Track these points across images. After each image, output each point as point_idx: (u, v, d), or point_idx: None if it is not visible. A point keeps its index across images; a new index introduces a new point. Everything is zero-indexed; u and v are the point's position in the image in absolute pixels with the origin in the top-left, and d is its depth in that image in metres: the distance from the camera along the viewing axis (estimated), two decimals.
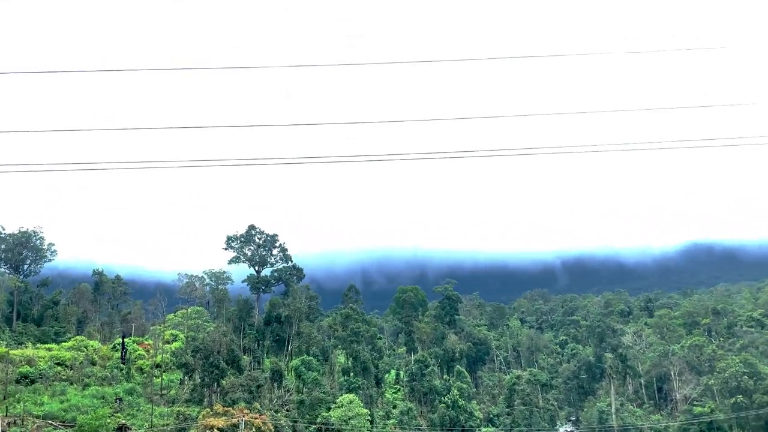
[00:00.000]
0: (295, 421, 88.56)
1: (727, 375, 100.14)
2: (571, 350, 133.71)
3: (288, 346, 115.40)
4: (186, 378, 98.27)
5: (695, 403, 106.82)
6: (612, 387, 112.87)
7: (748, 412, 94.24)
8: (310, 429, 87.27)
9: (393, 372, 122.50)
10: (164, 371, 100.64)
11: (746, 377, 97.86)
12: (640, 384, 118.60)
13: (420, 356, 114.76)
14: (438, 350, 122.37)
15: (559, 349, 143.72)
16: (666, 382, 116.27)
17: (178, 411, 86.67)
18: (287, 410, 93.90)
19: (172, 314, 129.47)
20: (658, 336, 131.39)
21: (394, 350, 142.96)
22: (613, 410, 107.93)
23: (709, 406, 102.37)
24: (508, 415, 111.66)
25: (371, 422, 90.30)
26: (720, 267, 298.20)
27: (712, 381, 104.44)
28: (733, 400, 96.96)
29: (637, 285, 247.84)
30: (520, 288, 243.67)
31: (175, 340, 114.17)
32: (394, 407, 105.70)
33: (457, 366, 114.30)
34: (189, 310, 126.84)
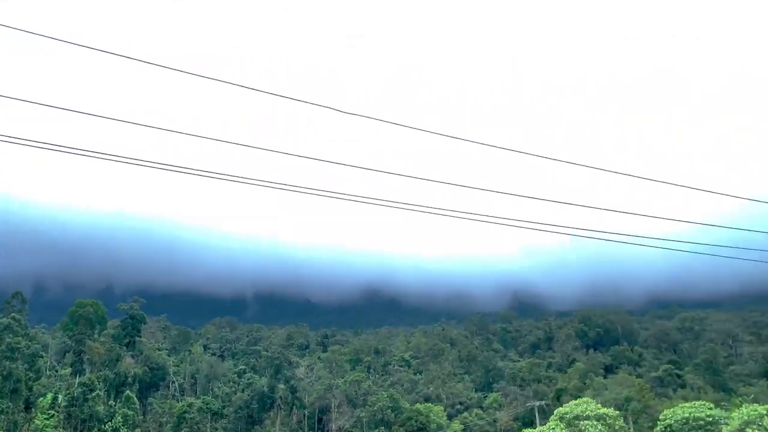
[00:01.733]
0: None
1: (375, 408, 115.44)
2: (248, 380, 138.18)
3: None
4: None
5: None
6: (279, 417, 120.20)
7: None
8: None
9: (50, 395, 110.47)
10: None
11: (389, 411, 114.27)
12: (304, 415, 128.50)
13: (86, 379, 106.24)
14: (109, 373, 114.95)
15: (237, 378, 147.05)
16: (327, 413, 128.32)
17: None
18: None
19: None
20: (328, 370, 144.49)
21: (57, 371, 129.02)
22: None
23: None
24: None
25: None
26: (388, 311, 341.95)
27: (364, 413, 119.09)
28: (377, 431, 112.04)
29: (319, 321, 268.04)
30: (212, 313, 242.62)
31: None
32: None
33: (127, 391, 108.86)
34: None
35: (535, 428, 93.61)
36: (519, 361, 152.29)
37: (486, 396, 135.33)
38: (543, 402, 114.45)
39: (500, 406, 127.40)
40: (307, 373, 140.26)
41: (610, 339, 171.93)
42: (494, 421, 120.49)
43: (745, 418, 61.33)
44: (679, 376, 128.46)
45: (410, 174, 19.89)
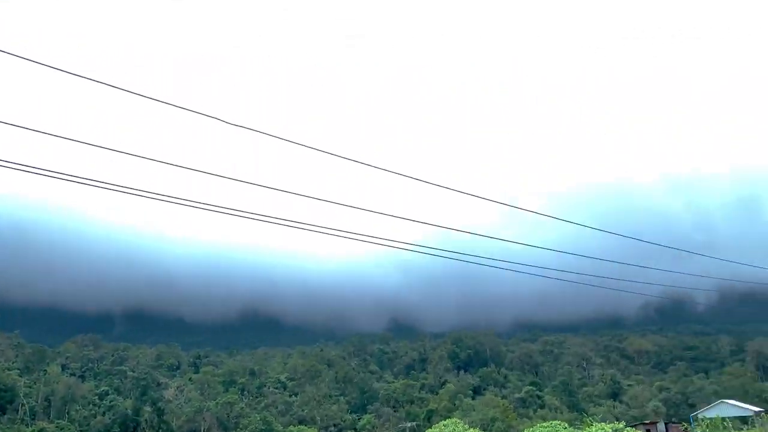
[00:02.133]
0: None
1: (247, 431, 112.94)
2: (110, 402, 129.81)
3: None
4: None
5: None
6: None
7: None
8: None
9: None
10: None
11: None
12: None
13: None
14: None
15: (98, 401, 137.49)
16: None
17: None
18: None
19: None
20: (199, 392, 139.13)
21: None
22: None
23: None
24: None
25: None
26: (266, 331, 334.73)
27: None
28: None
29: (193, 340, 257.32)
30: (74, 330, 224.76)
31: None
32: None
33: None
34: None
35: None
36: (394, 382, 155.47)
37: (360, 417, 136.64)
38: (414, 423, 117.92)
39: (373, 427, 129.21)
40: (176, 394, 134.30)
41: (479, 360, 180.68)
42: None
43: None
44: (539, 397, 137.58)
45: (285, 189, 20.08)
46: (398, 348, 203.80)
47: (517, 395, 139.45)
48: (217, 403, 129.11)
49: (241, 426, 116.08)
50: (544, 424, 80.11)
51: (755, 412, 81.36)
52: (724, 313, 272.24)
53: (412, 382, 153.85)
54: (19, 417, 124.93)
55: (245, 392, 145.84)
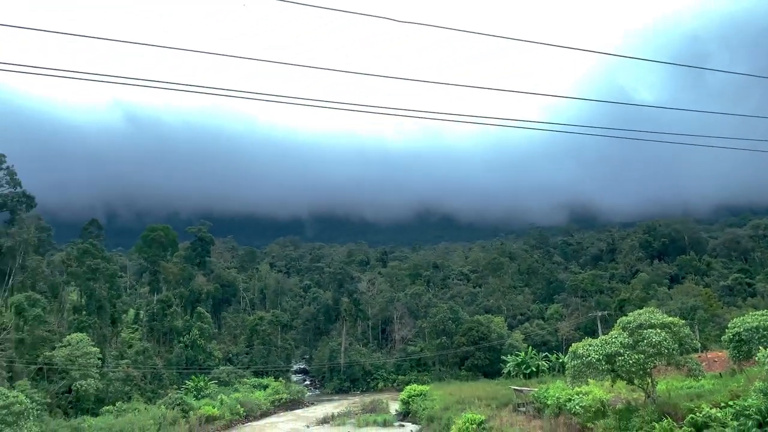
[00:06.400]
0: (12, 362, 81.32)
1: (436, 319, 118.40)
2: (313, 294, 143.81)
3: (9, 281, 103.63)
4: None
5: (409, 342, 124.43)
6: (344, 328, 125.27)
7: (448, 350, 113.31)
8: (30, 369, 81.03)
9: (132, 312, 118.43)
10: None
11: (450, 322, 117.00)
12: (368, 325, 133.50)
13: (164, 296, 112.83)
14: (184, 291, 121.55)
15: (303, 293, 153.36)
16: (389, 324, 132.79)
17: None
18: (2, 350, 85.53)
19: None
20: (389, 284, 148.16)
21: (136, 290, 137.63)
22: (342, 349, 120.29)
23: (420, 346, 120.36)
24: (247, 354, 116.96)
25: (102, 361, 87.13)
26: (443, 228, 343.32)
27: (425, 324, 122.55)
28: (438, 341, 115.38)
29: (376, 238, 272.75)
30: (274, 235, 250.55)
31: None
32: (130, 347, 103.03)
33: (198, 307, 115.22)
34: None
35: (596, 337, 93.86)
36: (581, 273, 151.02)
37: (547, 307, 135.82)
38: (605, 312, 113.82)
39: (561, 316, 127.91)
40: (368, 287, 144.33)
41: (675, 249, 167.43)
42: (555, 330, 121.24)
43: None
44: (750, 285, 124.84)
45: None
46: (583, 239, 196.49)
47: (722, 283, 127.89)
48: (405, 294, 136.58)
49: (430, 314, 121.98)
50: (756, 313, 72.36)
51: None
52: None
53: (600, 272, 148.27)
54: (241, 307, 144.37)
55: (431, 284, 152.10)
